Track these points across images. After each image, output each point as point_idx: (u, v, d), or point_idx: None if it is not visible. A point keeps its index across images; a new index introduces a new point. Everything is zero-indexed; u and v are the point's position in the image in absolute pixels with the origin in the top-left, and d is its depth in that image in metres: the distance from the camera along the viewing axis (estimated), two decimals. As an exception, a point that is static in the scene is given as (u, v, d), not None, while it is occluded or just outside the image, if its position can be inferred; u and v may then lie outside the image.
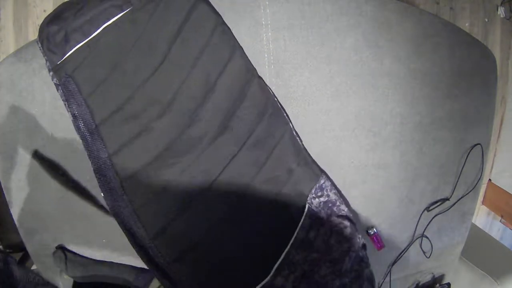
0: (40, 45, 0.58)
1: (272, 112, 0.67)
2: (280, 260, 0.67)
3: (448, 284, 1.00)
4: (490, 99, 0.90)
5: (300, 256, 0.68)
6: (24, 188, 0.68)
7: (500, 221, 1.91)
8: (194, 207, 0.63)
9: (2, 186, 0.68)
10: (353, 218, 0.75)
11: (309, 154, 0.72)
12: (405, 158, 0.83)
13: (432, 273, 1.00)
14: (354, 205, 0.82)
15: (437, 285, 1.01)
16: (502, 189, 1.78)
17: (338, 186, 0.79)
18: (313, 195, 0.71)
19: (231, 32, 0.65)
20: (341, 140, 0.75)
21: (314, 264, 0.69)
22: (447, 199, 0.91)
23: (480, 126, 0.90)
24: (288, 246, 0.67)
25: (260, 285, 0.65)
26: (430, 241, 0.93)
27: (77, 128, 0.60)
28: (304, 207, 0.70)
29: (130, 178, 0.60)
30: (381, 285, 0.92)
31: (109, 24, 0.59)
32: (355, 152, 0.77)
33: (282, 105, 0.70)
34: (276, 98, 0.69)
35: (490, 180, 1.86)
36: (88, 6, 0.58)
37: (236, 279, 0.66)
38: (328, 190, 0.72)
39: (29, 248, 0.72)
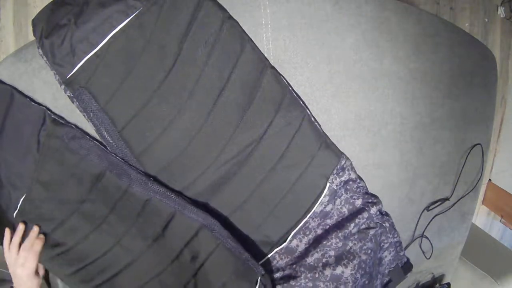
0: (44, 58, 0.58)
1: (289, 101, 0.68)
2: (297, 228, 0.73)
3: (448, 284, 1.00)
4: (490, 99, 0.90)
5: (315, 223, 0.74)
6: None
7: (500, 221, 1.91)
8: (221, 192, 0.68)
9: (2, 186, 0.68)
10: (369, 192, 0.79)
11: (328, 137, 0.73)
12: (405, 158, 0.83)
13: (432, 273, 1.00)
14: (354, 205, 0.82)
15: (437, 285, 1.01)
16: (502, 189, 1.78)
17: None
18: (335, 176, 0.73)
19: (240, 26, 0.65)
20: (341, 139, 0.75)
21: (325, 229, 0.75)
22: (447, 199, 0.91)
23: (480, 126, 0.90)
24: (306, 217, 0.72)
25: (278, 248, 0.73)
26: (430, 241, 0.93)
27: (101, 137, 0.61)
28: (325, 186, 0.72)
29: (160, 171, 0.65)
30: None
31: (116, 32, 0.58)
32: (355, 152, 0.77)
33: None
34: (291, 87, 0.69)
35: (490, 180, 1.86)
36: (88, 12, 0.57)
37: (256, 242, 0.72)
38: (350, 170, 0.75)
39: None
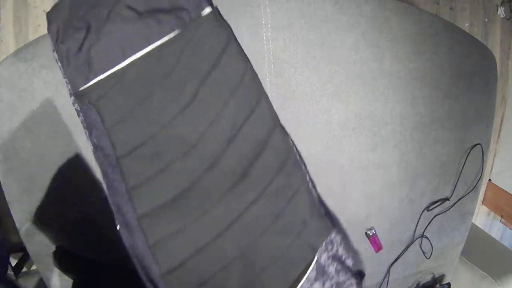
0: (59, 64, 0.56)
1: (292, 162, 0.66)
2: None
3: (448, 284, 1.00)
4: (490, 99, 0.90)
5: None
6: (24, 188, 0.68)
7: (500, 221, 1.91)
8: (208, 250, 0.62)
9: (2, 186, 0.68)
10: (360, 269, 0.76)
11: (323, 206, 0.71)
12: (405, 158, 0.83)
13: (432, 273, 1.00)
14: (354, 205, 0.82)
15: (437, 285, 1.01)
16: (502, 189, 1.78)
17: (338, 186, 0.79)
18: (323, 249, 0.70)
19: (258, 78, 0.65)
20: (341, 139, 0.75)
21: None
22: (447, 199, 0.91)
23: (480, 126, 0.90)
24: None
25: None
26: (430, 241, 0.93)
27: (97, 158, 0.59)
28: (313, 259, 0.68)
29: (148, 215, 0.59)
30: (380, 285, 0.92)
31: (137, 58, 0.57)
32: (355, 152, 0.77)
33: (281, 104, 0.70)
34: (297, 150, 0.68)
35: (490, 180, 1.86)
36: (111, 24, 0.55)
37: None
38: (338, 244, 0.72)
39: (29, 248, 0.72)
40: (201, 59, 0.59)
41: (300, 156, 0.68)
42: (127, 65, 0.57)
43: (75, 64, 0.55)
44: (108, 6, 0.56)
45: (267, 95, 0.65)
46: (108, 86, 0.57)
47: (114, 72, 0.56)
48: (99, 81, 0.56)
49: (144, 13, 0.57)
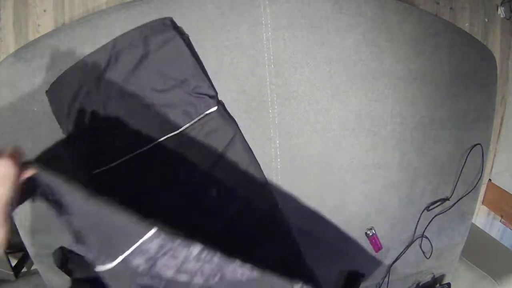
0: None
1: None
2: None
3: (448, 284, 1.00)
4: (490, 99, 0.90)
5: None
6: (24, 188, 0.68)
7: (500, 221, 1.91)
8: None
9: (2, 186, 0.68)
10: None
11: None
12: (405, 158, 0.83)
13: (432, 273, 1.00)
14: (354, 205, 0.82)
15: (437, 285, 1.01)
16: (502, 189, 1.78)
17: (338, 186, 0.79)
18: None
19: (261, 169, 0.69)
20: (341, 139, 0.75)
21: None
22: (447, 199, 0.91)
23: (480, 126, 0.90)
24: None
25: None
26: (430, 241, 0.93)
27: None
28: None
29: None
30: (380, 285, 0.92)
31: (143, 151, 0.60)
32: (355, 152, 0.77)
33: (281, 104, 0.71)
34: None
35: (490, 180, 1.86)
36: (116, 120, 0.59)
37: None
38: None
39: (29, 248, 0.72)
40: (205, 155, 0.63)
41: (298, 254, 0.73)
42: (131, 156, 0.61)
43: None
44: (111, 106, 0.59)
45: (268, 184, 0.69)
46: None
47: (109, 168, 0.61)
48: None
49: (153, 106, 0.59)
